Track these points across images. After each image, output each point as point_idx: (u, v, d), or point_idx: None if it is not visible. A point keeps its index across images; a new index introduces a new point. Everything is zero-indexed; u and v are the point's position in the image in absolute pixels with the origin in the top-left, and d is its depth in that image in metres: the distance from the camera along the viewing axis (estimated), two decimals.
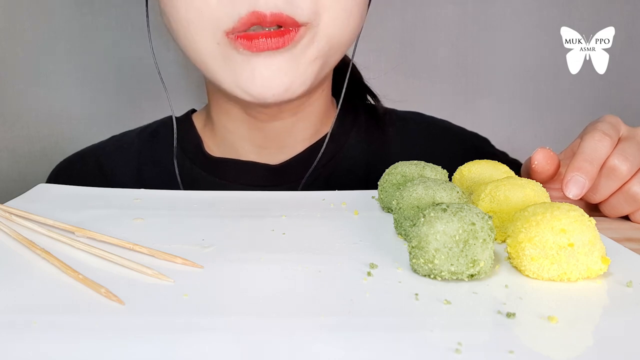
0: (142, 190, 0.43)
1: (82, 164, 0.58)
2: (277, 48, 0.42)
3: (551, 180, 0.38)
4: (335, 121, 0.53)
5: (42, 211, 0.35)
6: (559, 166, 0.38)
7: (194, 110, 0.59)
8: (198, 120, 0.57)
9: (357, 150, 0.55)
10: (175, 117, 0.58)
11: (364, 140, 0.56)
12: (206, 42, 0.43)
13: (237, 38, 0.42)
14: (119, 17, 0.72)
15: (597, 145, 0.36)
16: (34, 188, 0.43)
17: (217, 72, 0.45)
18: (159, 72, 0.52)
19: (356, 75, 0.59)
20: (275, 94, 0.43)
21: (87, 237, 0.32)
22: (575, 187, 0.34)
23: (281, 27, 0.42)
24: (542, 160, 0.37)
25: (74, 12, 0.72)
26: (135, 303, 0.24)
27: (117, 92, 0.74)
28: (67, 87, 0.73)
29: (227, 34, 0.42)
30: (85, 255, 0.30)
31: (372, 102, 0.60)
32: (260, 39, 0.41)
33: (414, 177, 0.36)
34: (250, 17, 0.41)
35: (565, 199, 0.35)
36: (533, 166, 0.37)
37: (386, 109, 0.60)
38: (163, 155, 0.55)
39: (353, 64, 0.55)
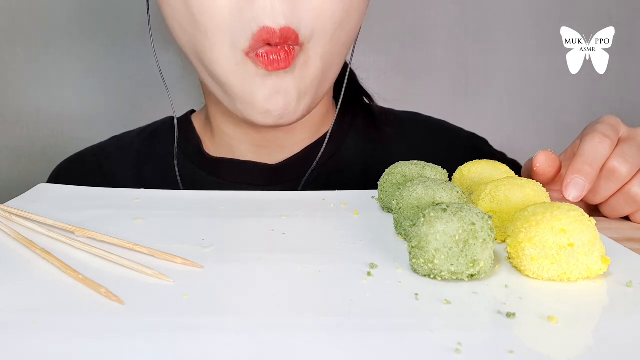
0: (142, 190, 0.43)
1: (82, 164, 0.58)
2: (285, 67, 0.42)
3: (552, 182, 0.38)
4: (334, 121, 0.53)
5: (42, 211, 0.35)
6: (560, 168, 0.38)
7: (193, 111, 0.60)
8: (197, 121, 0.57)
9: (355, 150, 0.55)
10: (173, 118, 0.58)
11: (362, 140, 0.56)
12: (226, 60, 0.43)
13: (257, 56, 0.41)
14: (119, 17, 0.72)
15: (596, 147, 0.36)
16: (34, 188, 0.43)
17: (233, 88, 0.44)
18: (161, 72, 0.52)
19: (351, 76, 0.59)
20: (283, 115, 0.44)
21: (87, 237, 0.32)
22: (575, 189, 0.34)
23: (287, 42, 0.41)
24: (543, 163, 0.37)
25: (74, 12, 0.72)
26: (135, 303, 0.24)
27: (117, 92, 0.75)
28: (67, 87, 0.74)
29: (246, 53, 0.42)
30: (85, 255, 0.30)
31: (367, 102, 0.61)
32: (273, 56, 0.41)
33: (414, 177, 0.36)
34: (262, 32, 0.40)
35: (566, 199, 0.35)
36: (535, 169, 0.37)
37: (383, 109, 0.60)
38: (163, 156, 0.55)
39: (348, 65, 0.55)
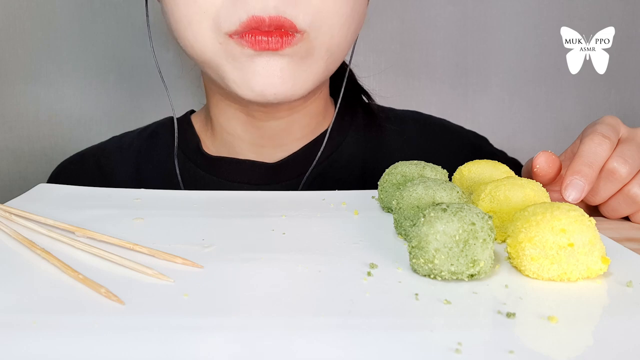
0: (142, 190, 0.43)
1: (82, 164, 0.58)
2: (277, 49, 0.42)
3: (552, 183, 0.38)
4: (333, 120, 0.53)
5: (42, 211, 0.35)
6: (560, 169, 0.38)
7: (193, 111, 0.60)
8: (197, 121, 0.57)
9: (354, 148, 0.55)
10: (172, 119, 0.58)
11: (362, 139, 0.56)
12: (209, 41, 0.44)
13: (242, 36, 0.42)
14: (119, 17, 0.72)
15: (596, 149, 0.36)
16: (34, 188, 0.43)
17: (221, 67, 0.45)
18: (160, 72, 0.52)
19: (350, 75, 0.60)
20: (277, 93, 0.44)
21: (87, 237, 0.32)
22: (574, 191, 0.34)
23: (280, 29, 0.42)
24: (544, 164, 0.37)
25: (74, 12, 0.72)
26: (135, 303, 0.24)
27: (117, 92, 0.74)
28: (67, 87, 0.73)
29: (230, 35, 0.43)
30: (85, 255, 0.30)
31: (366, 100, 0.61)
32: (263, 37, 0.42)
33: (414, 177, 0.36)
34: (250, 21, 0.41)
35: (565, 200, 0.35)
36: (535, 170, 0.37)
37: (382, 107, 0.60)
38: (162, 156, 0.55)
39: (347, 64, 0.55)
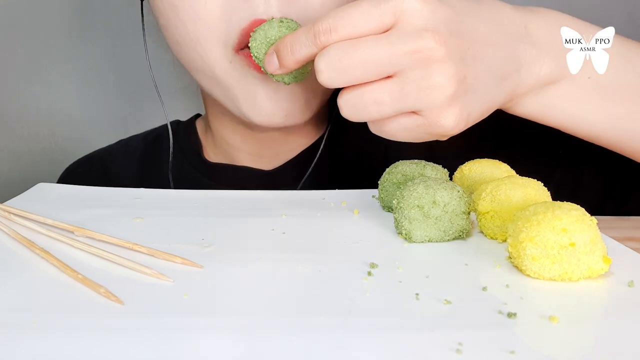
0: (142, 189, 0.43)
1: (88, 167, 0.59)
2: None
3: None
4: (330, 122, 0.53)
5: (41, 211, 0.35)
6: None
7: (199, 115, 0.60)
8: (200, 126, 0.57)
9: (352, 149, 0.55)
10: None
11: (360, 138, 0.56)
12: (219, 59, 0.42)
13: (249, 56, 0.40)
14: (119, 17, 0.72)
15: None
16: (33, 187, 0.43)
17: (232, 89, 0.43)
18: (155, 85, 0.52)
19: None
20: (288, 115, 0.43)
21: (87, 237, 0.32)
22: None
23: None
24: None
25: (74, 12, 0.72)
26: (135, 303, 0.24)
27: (117, 92, 0.75)
28: (67, 87, 0.73)
29: (237, 50, 0.41)
30: (84, 255, 0.29)
31: None
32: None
33: (414, 176, 0.36)
34: (252, 25, 0.39)
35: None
36: None
37: None
38: (166, 160, 0.55)
39: None
